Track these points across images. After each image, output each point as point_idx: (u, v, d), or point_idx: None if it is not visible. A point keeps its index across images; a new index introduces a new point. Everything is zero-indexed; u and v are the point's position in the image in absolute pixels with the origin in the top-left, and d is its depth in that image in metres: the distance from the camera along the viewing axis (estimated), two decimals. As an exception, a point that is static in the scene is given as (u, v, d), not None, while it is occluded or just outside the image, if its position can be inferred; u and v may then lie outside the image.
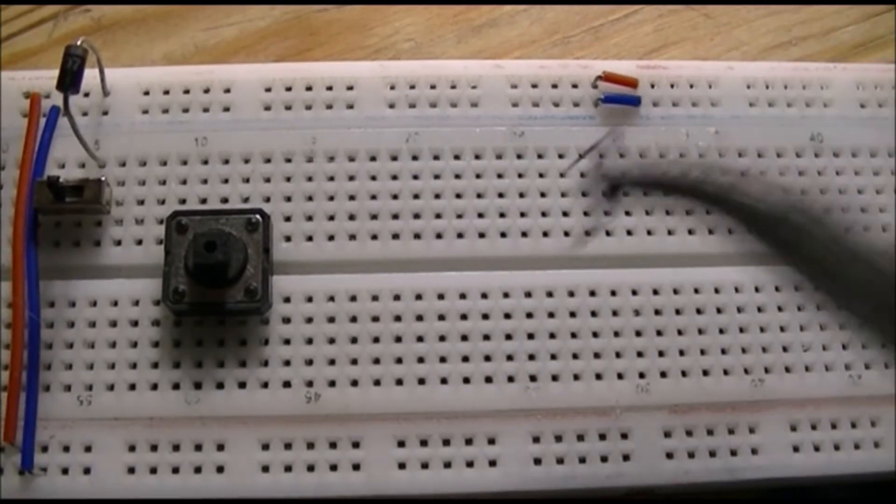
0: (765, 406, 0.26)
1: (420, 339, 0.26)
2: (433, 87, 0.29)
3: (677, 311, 0.27)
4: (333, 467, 0.25)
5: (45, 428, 0.25)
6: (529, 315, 0.27)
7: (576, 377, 0.26)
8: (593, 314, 0.27)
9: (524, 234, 0.28)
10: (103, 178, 0.27)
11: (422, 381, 0.26)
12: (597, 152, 0.21)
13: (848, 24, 0.34)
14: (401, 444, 0.25)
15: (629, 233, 0.28)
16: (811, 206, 0.17)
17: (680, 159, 0.18)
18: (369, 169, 0.28)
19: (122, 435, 0.25)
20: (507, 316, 0.27)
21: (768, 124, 0.29)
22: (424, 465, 0.25)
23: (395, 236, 0.27)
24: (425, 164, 0.28)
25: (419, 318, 0.27)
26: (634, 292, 0.27)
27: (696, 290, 0.27)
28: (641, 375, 0.26)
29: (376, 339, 0.26)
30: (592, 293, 0.27)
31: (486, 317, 0.27)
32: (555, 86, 0.29)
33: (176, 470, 0.25)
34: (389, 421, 0.26)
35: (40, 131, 0.27)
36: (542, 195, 0.28)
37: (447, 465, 0.25)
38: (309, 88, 0.28)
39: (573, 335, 0.27)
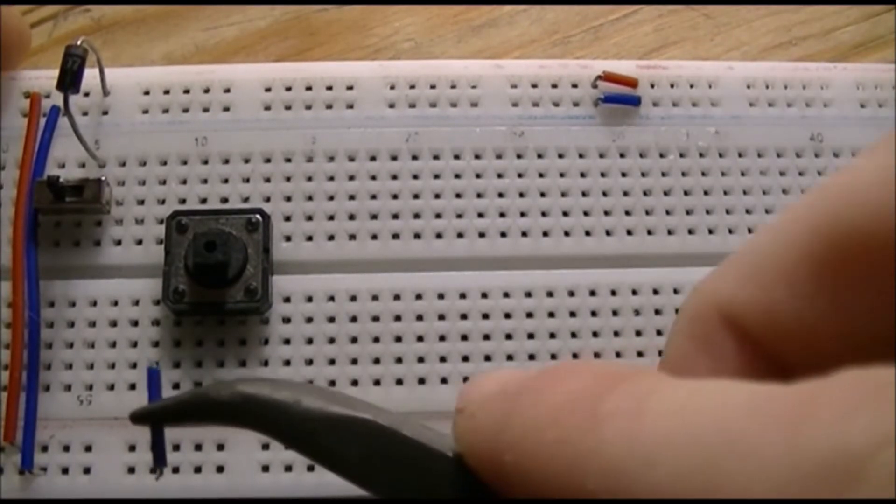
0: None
1: (420, 338, 0.26)
2: (433, 87, 0.29)
3: (677, 311, 0.27)
4: (333, 467, 0.25)
5: (45, 428, 0.25)
6: (529, 315, 0.27)
7: (576, 377, 0.26)
8: (593, 314, 0.27)
9: (524, 234, 0.28)
10: (103, 178, 0.27)
11: (422, 381, 0.26)
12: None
13: (848, 24, 0.34)
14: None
15: (629, 233, 0.28)
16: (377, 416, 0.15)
17: (223, 384, 0.16)
18: (369, 169, 0.28)
19: (122, 435, 0.25)
20: (507, 316, 0.27)
21: (768, 124, 0.29)
22: (424, 465, 0.25)
23: (395, 236, 0.27)
24: (425, 164, 0.28)
25: (419, 318, 0.27)
26: (634, 292, 0.27)
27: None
28: (641, 375, 0.26)
29: (376, 339, 0.26)
30: (592, 293, 0.27)
31: (486, 317, 0.27)
32: (555, 86, 0.29)
33: (176, 470, 0.25)
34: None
35: (40, 131, 0.27)
36: (542, 195, 0.28)
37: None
38: (309, 88, 0.28)
39: (573, 335, 0.27)
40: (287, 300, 0.26)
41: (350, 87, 0.29)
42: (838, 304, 0.13)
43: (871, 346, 0.12)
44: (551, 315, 0.27)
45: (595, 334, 0.27)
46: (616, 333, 0.27)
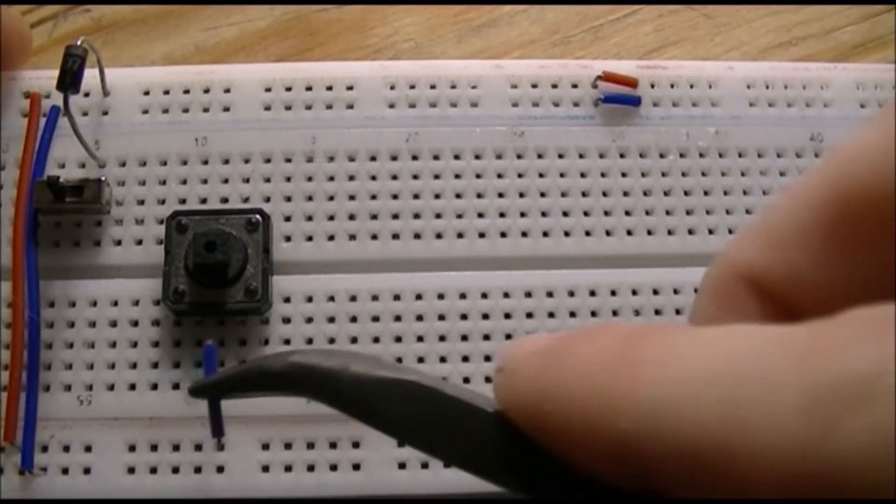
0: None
1: (420, 339, 0.26)
2: (433, 87, 0.29)
3: (677, 311, 0.27)
4: (333, 467, 0.25)
5: (45, 428, 0.25)
6: (529, 315, 0.27)
7: (576, 377, 0.26)
8: (593, 314, 0.27)
9: (524, 234, 0.28)
10: (103, 178, 0.27)
11: (422, 381, 0.26)
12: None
13: (848, 24, 0.34)
14: (401, 444, 0.25)
15: (629, 233, 0.28)
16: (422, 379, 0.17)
17: (281, 353, 0.18)
18: (369, 169, 0.28)
19: (122, 435, 0.25)
20: (507, 316, 0.27)
21: (768, 124, 0.29)
22: (424, 465, 0.25)
23: (395, 236, 0.27)
24: (425, 164, 0.28)
25: (419, 318, 0.27)
26: (634, 292, 0.27)
27: (696, 290, 0.27)
28: (641, 375, 0.26)
29: (376, 339, 0.26)
30: (592, 293, 0.27)
31: (485, 317, 0.27)
32: (555, 86, 0.29)
33: (176, 470, 0.25)
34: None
35: (40, 131, 0.27)
36: (542, 195, 0.28)
37: (447, 465, 0.25)
38: (309, 88, 0.28)
39: (573, 335, 0.27)
40: (287, 300, 0.26)
41: (350, 87, 0.29)
42: (850, 262, 0.14)
43: (882, 299, 0.13)
44: (551, 315, 0.27)
45: (595, 334, 0.27)
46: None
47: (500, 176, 0.28)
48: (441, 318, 0.27)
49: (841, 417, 0.10)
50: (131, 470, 0.25)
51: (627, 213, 0.28)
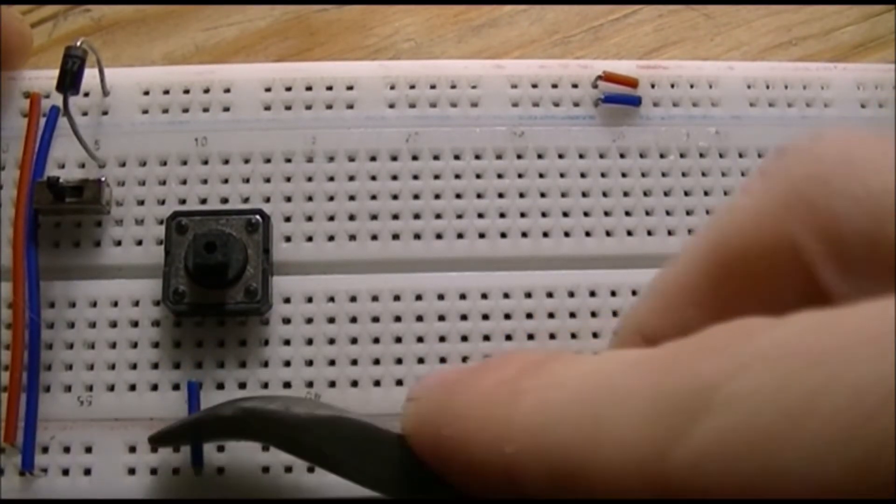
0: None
1: (420, 339, 0.26)
2: (433, 87, 0.29)
3: (677, 312, 0.27)
4: (333, 468, 0.25)
5: (45, 429, 0.25)
6: (529, 315, 0.27)
7: (576, 377, 0.26)
8: (593, 314, 0.27)
9: (524, 234, 0.27)
10: (103, 178, 0.27)
11: (422, 382, 0.26)
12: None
13: (848, 24, 0.34)
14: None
15: (629, 233, 0.28)
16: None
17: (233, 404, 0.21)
18: (369, 169, 0.28)
19: (122, 435, 0.25)
20: (507, 316, 0.27)
21: (768, 124, 0.29)
22: (424, 466, 0.25)
23: (395, 237, 0.27)
24: (425, 164, 0.28)
25: (419, 318, 0.27)
26: (635, 293, 0.27)
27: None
28: (641, 376, 0.26)
29: (376, 340, 0.26)
30: (592, 293, 0.27)
31: (486, 317, 0.27)
32: (555, 86, 0.29)
33: (176, 471, 0.25)
34: (390, 421, 0.26)
35: (40, 131, 0.27)
36: (542, 195, 0.28)
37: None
38: (309, 88, 0.28)
39: (573, 336, 0.27)
40: (287, 301, 0.26)
41: (350, 87, 0.29)
42: (733, 308, 0.15)
43: None
44: (551, 316, 0.27)
45: (595, 335, 0.27)
46: (616, 334, 0.27)
47: (500, 176, 0.28)
48: (441, 318, 0.27)
49: (688, 424, 0.11)
50: (131, 471, 0.25)
51: (627, 214, 0.28)
